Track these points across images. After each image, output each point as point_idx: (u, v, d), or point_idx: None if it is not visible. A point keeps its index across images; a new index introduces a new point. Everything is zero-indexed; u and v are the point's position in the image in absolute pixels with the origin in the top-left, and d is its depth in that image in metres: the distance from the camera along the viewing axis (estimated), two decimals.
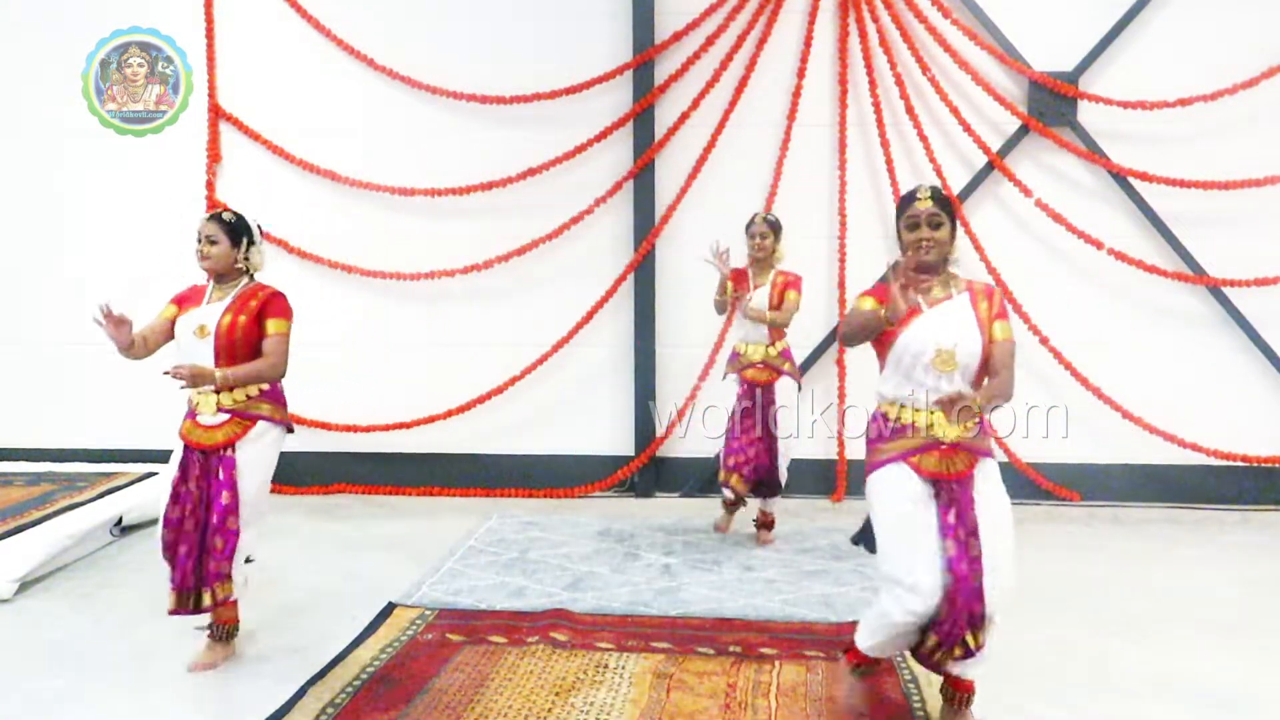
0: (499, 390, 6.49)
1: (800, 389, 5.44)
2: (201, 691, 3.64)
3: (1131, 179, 6.14)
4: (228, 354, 3.79)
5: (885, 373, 3.23)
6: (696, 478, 6.46)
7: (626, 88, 6.39)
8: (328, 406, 6.60)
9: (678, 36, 6.29)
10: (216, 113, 6.60)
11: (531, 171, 6.37)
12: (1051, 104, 6.16)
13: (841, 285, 6.34)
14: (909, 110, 6.23)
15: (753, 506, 5.51)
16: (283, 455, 6.59)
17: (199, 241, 3.90)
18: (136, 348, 3.94)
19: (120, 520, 5.55)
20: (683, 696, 3.51)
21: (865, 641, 3.25)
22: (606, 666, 3.77)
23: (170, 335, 3.95)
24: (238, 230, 3.93)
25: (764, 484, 5.31)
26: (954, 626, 3.03)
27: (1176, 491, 6.24)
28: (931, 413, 3.13)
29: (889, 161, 6.27)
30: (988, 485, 3.13)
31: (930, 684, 3.61)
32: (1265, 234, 6.16)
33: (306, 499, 6.48)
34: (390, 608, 4.39)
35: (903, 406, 3.19)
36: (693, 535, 5.56)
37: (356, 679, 3.67)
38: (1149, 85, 6.10)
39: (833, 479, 6.40)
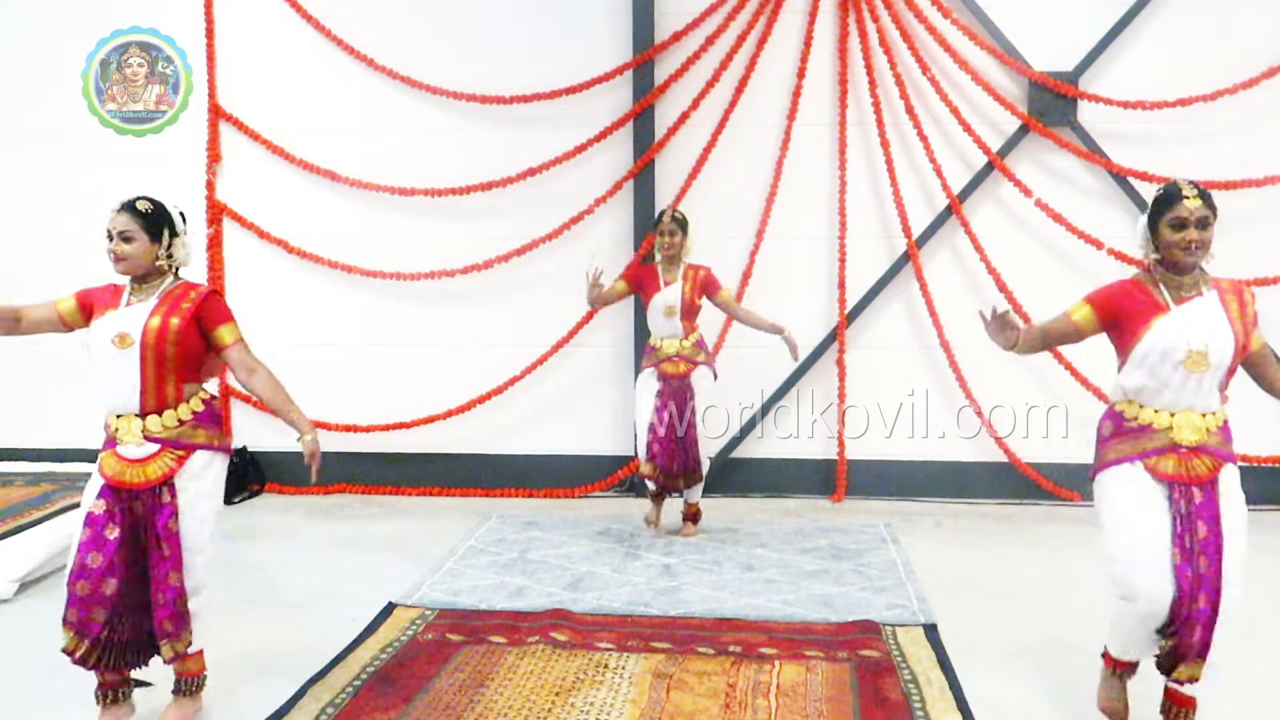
0: (499, 390, 6.49)
1: (716, 377, 5.49)
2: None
3: (1131, 179, 6.14)
4: (157, 364, 3.28)
5: (1127, 369, 3.14)
6: None
7: (626, 88, 6.39)
8: (328, 406, 6.60)
9: (678, 36, 6.29)
10: (216, 113, 6.60)
11: (531, 171, 6.38)
12: (1051, 104, 6.16)
13: (841, 285, 6.34)
14: (909, 110, 6.23)
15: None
16: (283, 455, 6.69)
17: (109, 239, 3.29)
18: (3, 319, 3.38)
19: None
20: (683, 696, 3.51)
21: (1113, 646, 3.24)
22: (606, 666, 3.77)
23: (54, 327, 3.46)
24: (156, 222, 3.28)
25: (685, 474, 5.41)
26: (1181, 638, 3.00)
27: None
28: (1173, 414, 3.09)
29: (889, 161, 6.27)
30: (1229, 492, 3.11)
31: (930, 684, 3.61)
32: (1265, 234, 6.15)
33: (306, 499, 6.48)
34: (390, 608, 4.39)
35: (1142, 406, 3.13)
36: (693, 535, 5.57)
37: (357, 679, 3.67)
38: (1149, 85, 6.10)
39: (833, 479, 6.40)
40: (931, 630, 4.13)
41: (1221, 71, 6.05)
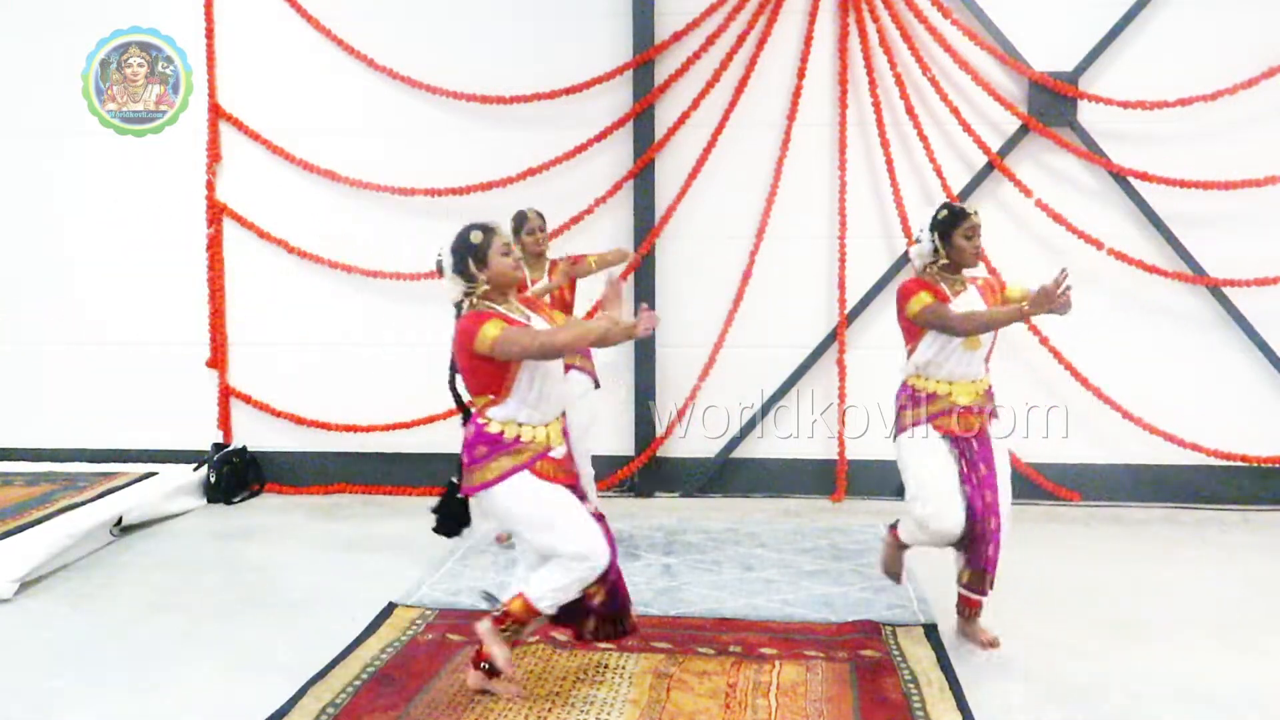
0: None
1: (598, 385, 5.25)
2: (201, 692, 3.64)
3: (1131, 179, 6.14)
4: None
5: (919, 350, 3.91)
6: (697, 478, 6.46)
7: (626, 88, 6.39)
8: (328, 406, 6.61)
9: (678, 36, 6.29)
10: (216, 113, 6.60)
11: (531, 171, 6.37)
12: (1051, 104, 6.16)
13: (841, 285, 6.34)
14: (909, 110, 6.22)
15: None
16: (283, 455, 6.70)
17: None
18: None
19: (120, 520, 5.56)
20: (683, 696, 3.51)
21: (904, 536, 4.08)
22: (606, 666, 3.77)
23: None
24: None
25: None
26: (976, 551, 3.84)
27: (1176, 491, 6.23)
28: (952, 383, 3.87)
29: (889, 161, 6.27)
30: (995, 441, 3.89)
31: (930, 684, 3.62)
32: (1265, 234, 6.16)
33: (306, 499, 6.48)
34: (391, 608, 4.39)
35: (928, 378, 3.91)
36: (693, 535, 5.57)
37: (357, 679, 3.67)
38: (1149, 85, 6.10)
39: (833, 479, 6.39)
40: (931, 630, 4.13)
41: (1221, 71, 6.05)
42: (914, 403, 3.91)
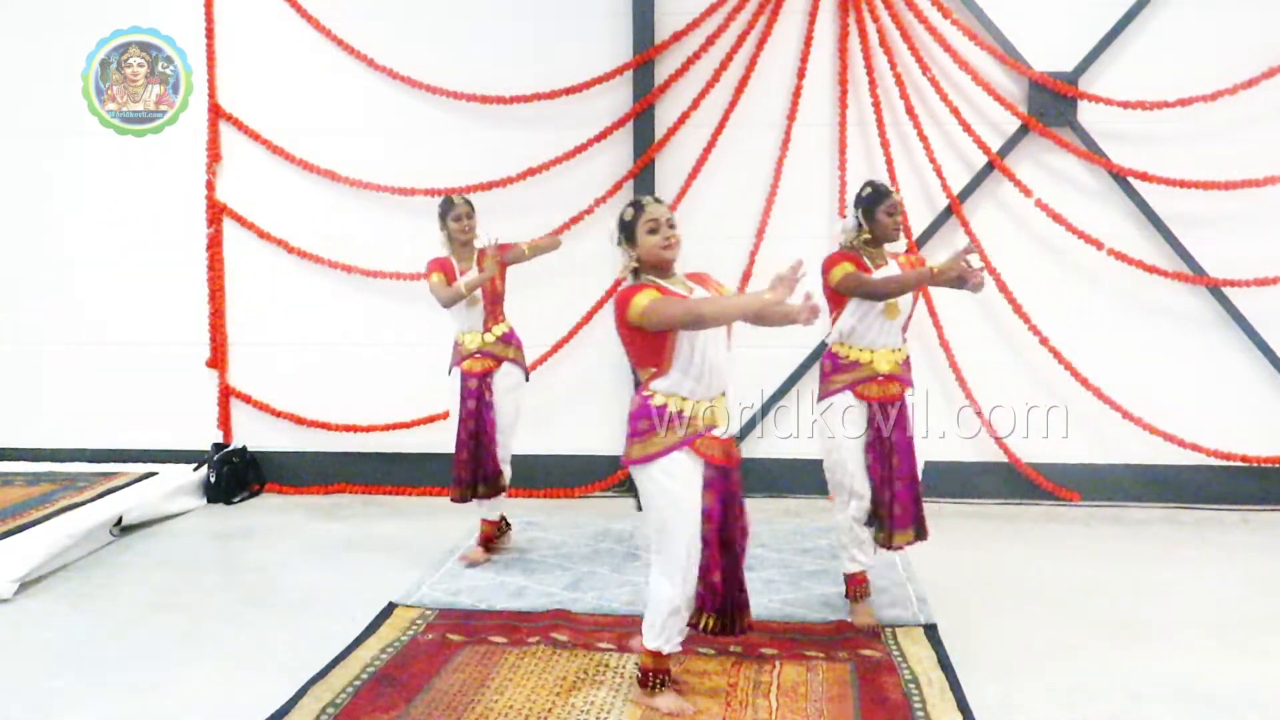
0: None
1: (528, 377, 5.19)
2: (201, 692, 3.64)
3: (1131, 179, 6.14)
4: None
5: (843, 318, 4.16)
6: None
7: (626, 88, 6.38)
8: (328, 406, 6.61)
9: (678, 36, 6.29)
10: (216, 113, 6.60)
11: (531, 171, 6.38)
12: (1051, 104, 6.16)
13: None
14: (909, 110, 6.22)
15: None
16: (283, 455, 6.70)
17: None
18: None
19: (120, 520, 5.56)
20: (683, 696, 3.51)
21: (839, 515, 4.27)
22: (607, 666, 3.77)
23: None
24: None
25: (483, 483, 5.03)
26: (888, 514, 4.09)
27: (1176, 491, 6.23)
28: (873, 351, 4.12)
29: (889, 161, 6.27)
30: (908, 407, 4.12)
31: (930, 684, 3.62)
32: (1265, 234, 6.15)
33: (306, 499, 6.48)
34: (391, 608, 4.39)
35: (851, 346, 4.17)
36: None
37: (357, 679, 3.67)
38: (1149, 85, 6.10)
39: None
40: (931, 630, 4.13)
41: (1221, 71, 6.05)
42: (837, 369, 4.17)
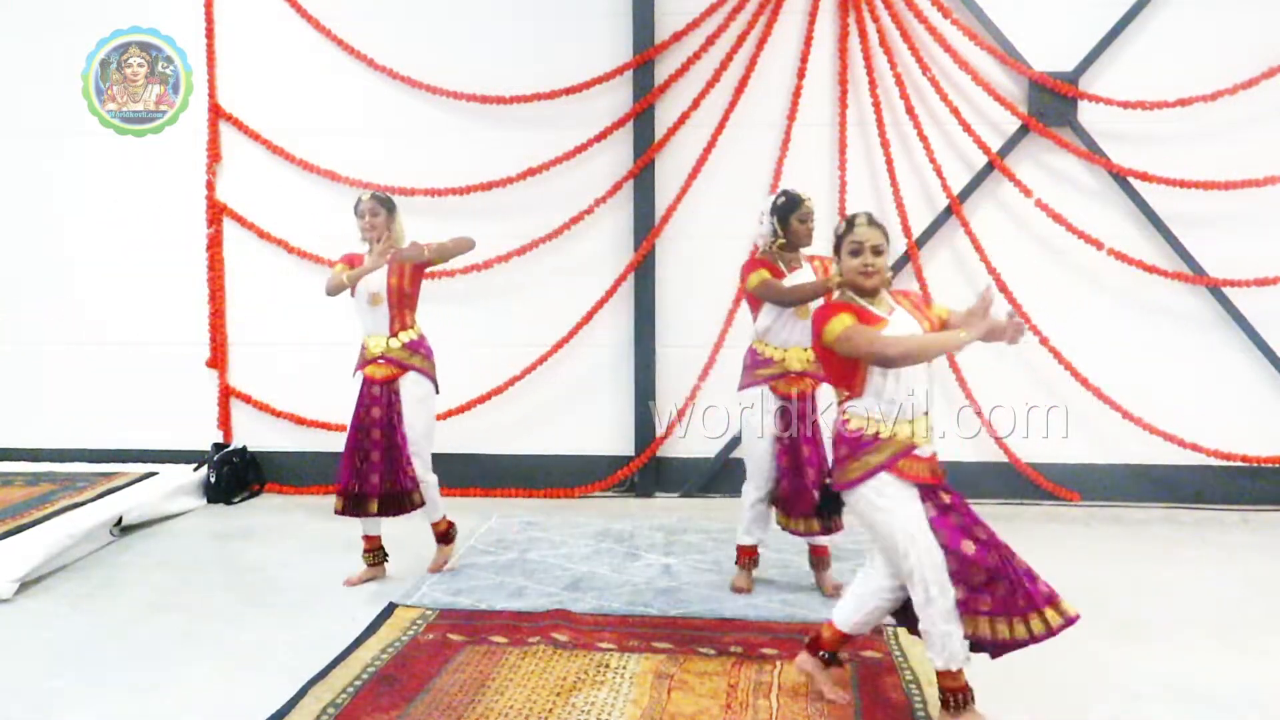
0: (499, 390, 6.49)
1: (437, 389, 4.81)
2: (201, 692, 3.64)
3: (1131, 179, 6.14)
4: None
5: (760, 317, 4.47)
6: (697, 478, 6.46)
7: (626, 88, 6.39)
8: (328, 406, 6.60)
9: (678, 36, 6.29)
10: (216, 113, 6.60)
11: (531, 171, 6.38)
12: (1051, 104, 6.16)
13: None
14: (909, 110, 6.23)
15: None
16: (283, 455, 6.70)
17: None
18: None
19: (120, 520, 5.56)
20: (684, 697, 3.51)
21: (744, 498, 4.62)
22: (608, 666, 3.77)
23: None
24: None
25: (391, 498, 4.69)
26: (793, 504, 4.44)
27: (1176, 491, 6.24)
28: (785, 349, 4.42)
29: (889, 161, 6.27)
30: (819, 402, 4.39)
31: (930, 684, 3.61)
32: (1265, 234, 6.16)
33: (306, 499, 6.48)
34: (391, 608, 4.39)
35: (767, 344, 4.45)
36: (693, 535, 5.56)
37: (358, 679, 3.67)
38: (1149, 85, 6.10)
39: None
40: None
41: (1221, 71, 6.05)
42: (755, 364, 4.46)
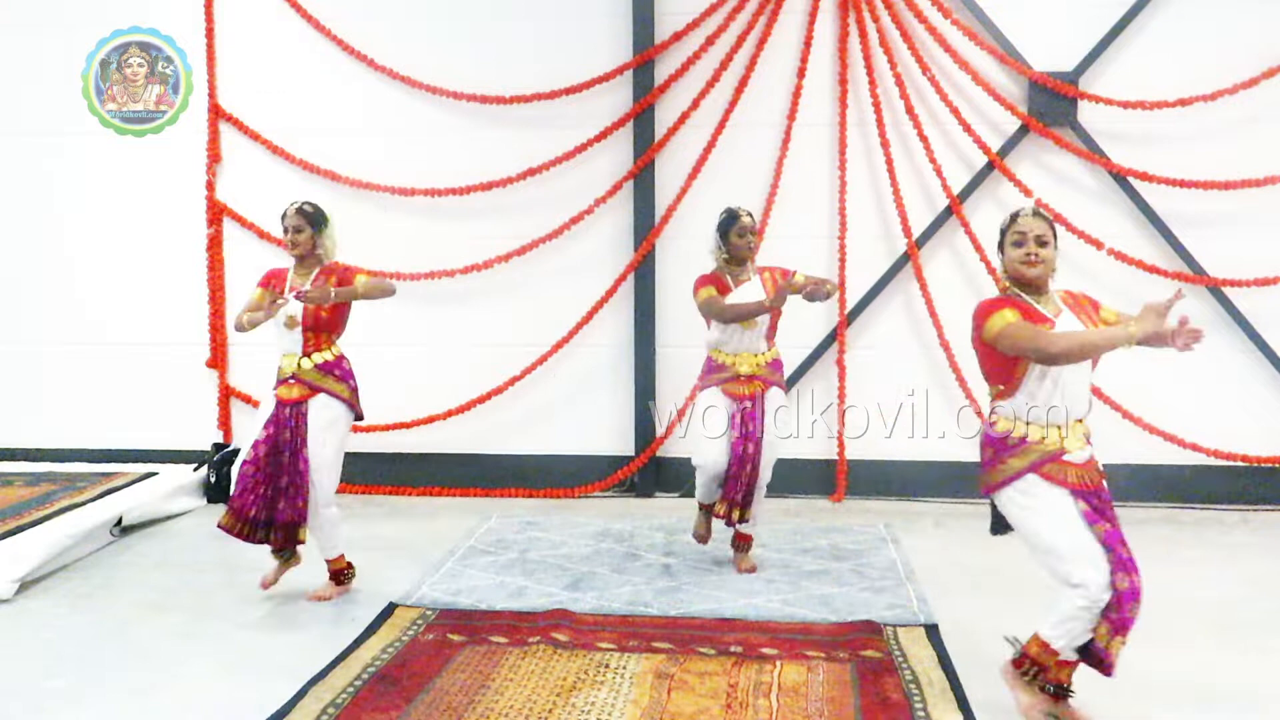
0: (499, 390, 6.49)
1: (358, 414, 4.55)
2: (201, 692, 3.63)
3: (1131, 179, 6.14)
4: None
5: (711, 329, 4.82)
6: None
7: (626, 88, 6.39)
8: None
9: (678, 36, 6.29)
10: (216, 113, 6.60)
11: (531, 171, 6.38)
12: (1051, 104, 6.16)
13: (841, 285, 6.33)
14: (909, 110, 6.23)
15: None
16: None
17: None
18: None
19: (120, 520, 5.55)
20: (684, 697, 3.51)
21: (700, 496, 4.93)
22: (608, 666, 3.77)
23: None
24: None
25: (283, 528, 4.38)
26: (727, 491, 4.76)
27: (1176, 491, 6.23)
28: (736, 355, 4.82)
29: (889, 161, 6.27)
30: (770, 403, 4.75)
31: (931, 684, 3.62)
32: (1265, 234, 6.15)
33: None
34: (391, 608, 4.39)
35: (720, 350, 4.83)
36: (693, 535, 5.55)
37: (358, 679, 3.67)
38: (1149, 85, 6.10)
39: (833, 479, 6.40)
40: (932, 630, 4.13)
41: (1221, 71, 6.05)
42: (709, 370, 4.84)
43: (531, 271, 6.50)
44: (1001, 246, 3.32)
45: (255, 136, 6.57)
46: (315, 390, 4.42)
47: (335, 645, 3.96)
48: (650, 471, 6.50)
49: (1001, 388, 3.22)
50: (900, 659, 3.84)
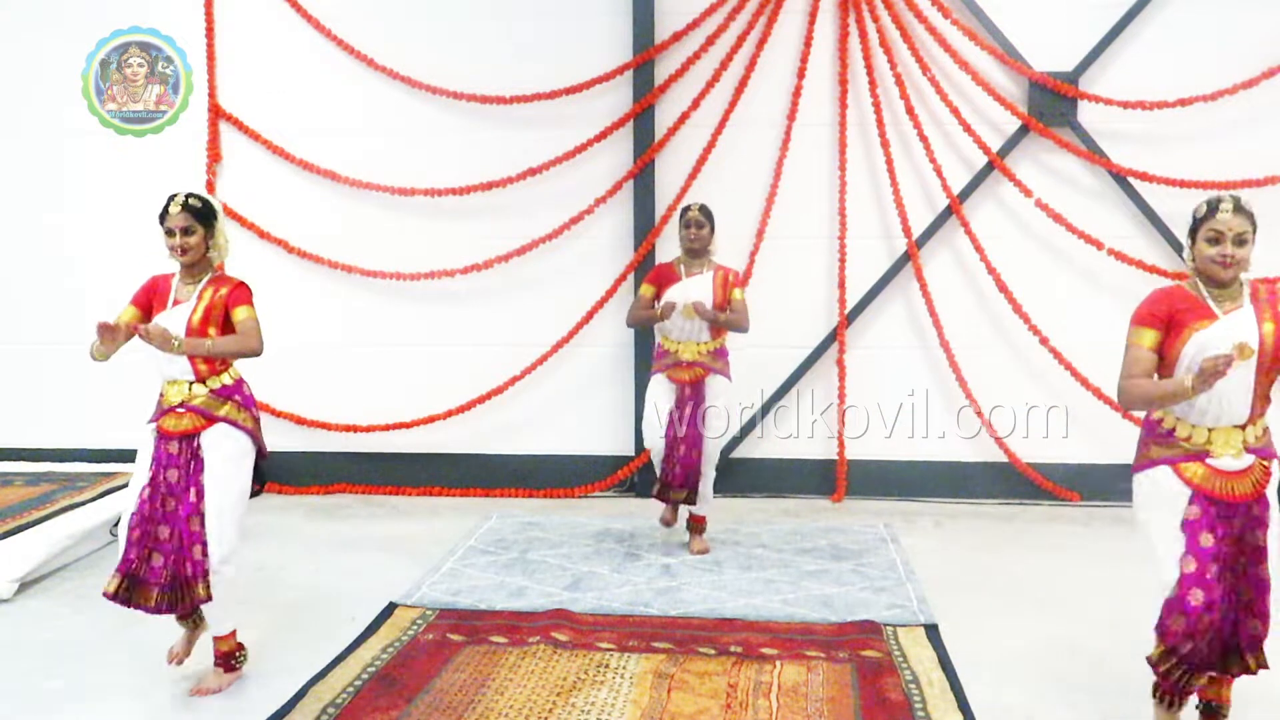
0: (499, 390, 6.49)
1: (261, 449, 3.84)
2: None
3: (1131, 179, 6.14)
4: None
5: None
6: None
7: (626, 88, 6.39)
8: (328, 406, 6.61)
9: (678, 36, 6.29)
10: (216, 113, 6.60)
11: (531, 171, 6.37)
12: (1051, 104, 6.16)
13: (841, 285, 6.34)
14: (909, 110, 6.23)
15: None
16: (283, 455, 6.69)
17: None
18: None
19: (120, 520, 5.54)
20: (684, 697, 3.51)
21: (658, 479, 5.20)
22: (607, 666, 3.77)
23: None
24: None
25: (174, 587, 3.50)
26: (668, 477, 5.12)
27: None
28: (679, 343, 5.12)
29: (889, 161, 6.27)
30: (710, 388, 5.14)
31: (931, 684, 3.62)
32: (1265, 234, 6.11)
33: (306, 499, 6.48)
34: (391, 608, 4.39)
35: (665, 338, 5.16)
36: None
37: (357, 679, 3.67)
38: (1149, 85, 6.10)
39: (833, 479, 6.40)
40: (932, 630, 4.13)
41: (1221, 71, 6.05)
42: (657, 356, 5.16)
43: (531, 271, 6.50)
44: (1193, 234, 3.24)
45: (255, 136, 6.57)
46: (211, 420, 3.64)
47: (335, 645, 3.97)
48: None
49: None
50: (900, 659, 3.85)
